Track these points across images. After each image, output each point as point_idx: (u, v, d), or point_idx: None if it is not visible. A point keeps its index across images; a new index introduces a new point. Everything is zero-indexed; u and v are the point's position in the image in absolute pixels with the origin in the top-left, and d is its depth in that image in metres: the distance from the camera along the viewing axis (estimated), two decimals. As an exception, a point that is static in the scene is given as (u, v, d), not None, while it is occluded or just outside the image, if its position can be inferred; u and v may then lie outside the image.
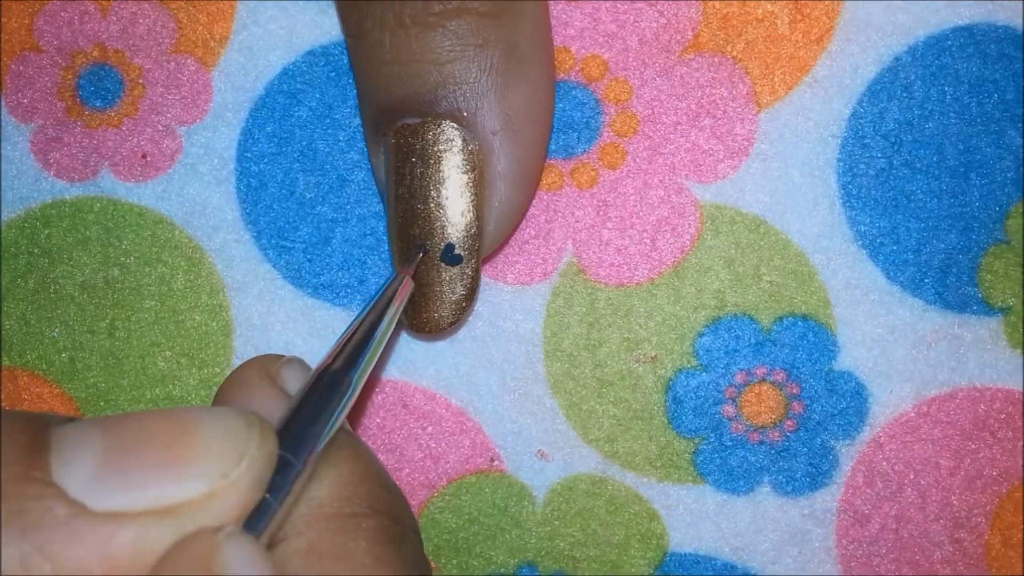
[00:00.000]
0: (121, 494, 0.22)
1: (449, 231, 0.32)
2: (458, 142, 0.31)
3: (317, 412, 0.26)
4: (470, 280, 0.32)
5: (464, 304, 0.32)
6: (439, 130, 0.31)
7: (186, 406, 0.25)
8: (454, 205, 0.31)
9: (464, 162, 0.31)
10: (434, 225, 0.32)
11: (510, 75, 0.31)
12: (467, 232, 0.32)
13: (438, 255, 0.32)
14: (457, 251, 0.32)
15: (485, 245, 0.32)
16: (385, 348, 0.35)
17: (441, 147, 0.31)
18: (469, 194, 0.31)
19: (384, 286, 0.31)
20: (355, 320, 0.29)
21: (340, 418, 0.26)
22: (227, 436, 0.23)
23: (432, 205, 0.31)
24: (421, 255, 0.32)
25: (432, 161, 0.31)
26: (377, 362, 0.35)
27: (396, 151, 0.32)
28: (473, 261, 0.32)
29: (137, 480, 0.22)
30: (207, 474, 0.23)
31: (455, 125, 0.31)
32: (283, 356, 0.28)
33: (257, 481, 0.23)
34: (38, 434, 0.23)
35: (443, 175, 0.31)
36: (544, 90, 0.32)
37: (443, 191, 0.31)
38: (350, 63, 0.34)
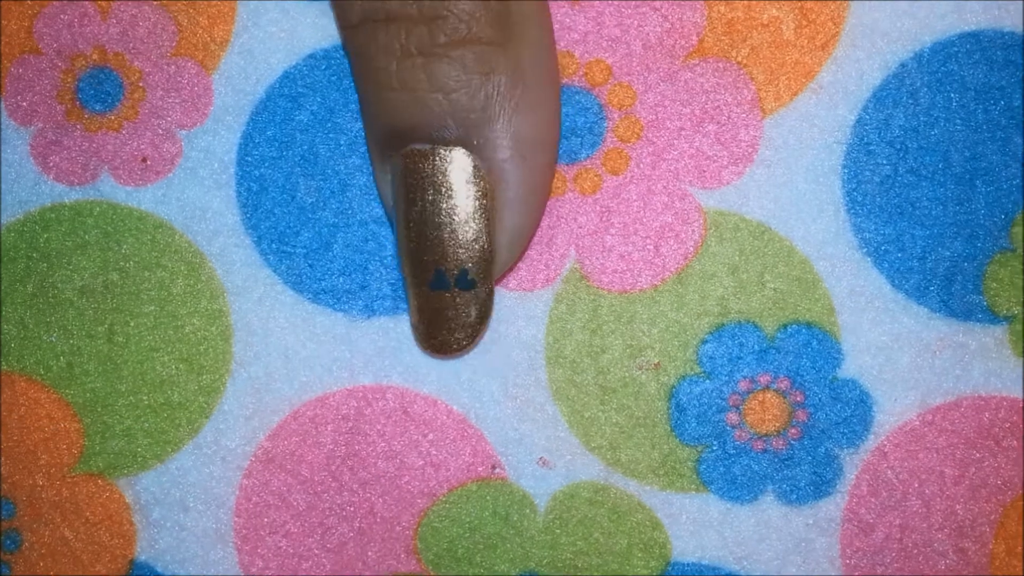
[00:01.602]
0: None
1: (463, 257, 0.32)
2: (469, 169, 0.31)
3: None
4: (483, 304, 0.32)
5: (478, 327, 0.32)
6: (450, 157, 0.31)
7: None
8: (467, 232, 0.31)
9: (476, 189, 0.31)
10: (447, 252, 0.32)
11: (517, 102, 0.31)
12: (481, 257, 0.32)
13: (452, 280, 0.32)
14: (471, 276, 0.32)
15: (497, 269, 0.32)
16: (388, 357, 0.35)
17: (452, 175, 0.31)
18: (482, 220, 0.31)
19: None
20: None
21: None
22: None
23: (445, 232, 0.31)
24: None
25: (444, 188, 0.31)
26: (378, 369, 0.35)
27: (406, 176, 0.31)
28: (486, 285, 0.32)
29: None
30: None
31: (466, 152, 0.31)
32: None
33: None
34: None
35: (455, 203, 0.31)
36: (552, 114, 0.32)
37: (455, 218, 0.31)
38: (353, 78, 0.34)
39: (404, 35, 0.30)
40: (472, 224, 0.31)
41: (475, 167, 0.31)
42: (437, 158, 0.31)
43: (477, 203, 0.31)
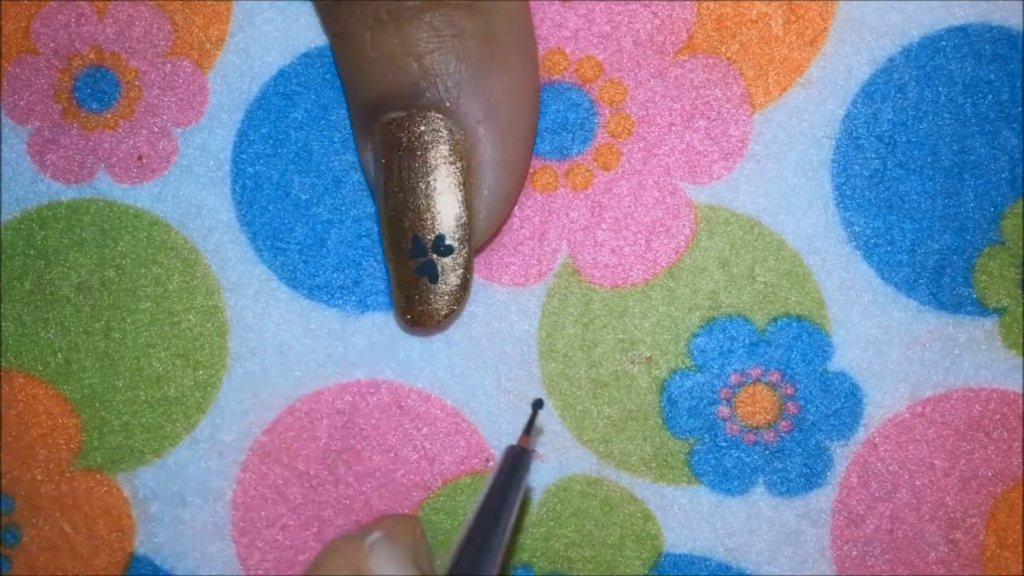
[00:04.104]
0: None
1: (439, 222, 0.32)
2: (444, 133, 0.31)
3: None
4: (463, 270, 0.32)
5: (458, 295, 0.32)
6: (424, 122, 0.31)
7: None
8: (442, 196, 0.32)
9: (450, 152, 0.31)
10: (424, 216, 0.32)
11: (489, 63, 0.31)
12: (457, 222, 0.32)
13: (430, 246, 0.32)
14: (448, 241, 0.32)
15: (476, 235, 0.32)
16: (382, 351, 0.35)
17: (427, 138, 0.31)
18: (457, 184, 0.32)
19: (503, 463, 0.28)
20: (479, 508, 0.27)
21: None
22: None
23: (421, 197, 0.32)
24: (535, 414, 0.30)
25: (419, 153, 0.31)
26: (372, 364, 0.35)
27: (384, 145, 0.32)
28: (464, 251, 0.32)
29: None
30: None
31: (440, 116, 0.31)
32: (364, 538, 0.28)
33: None
34: None
35: (430, 166, 0.32)
36: (525, 76, 0.32)
37: (431, 182, 0.32)
38: (335, 63, 0.34)
39: (375, 3, 0.31)
40: (446, 187, 0.32)
41: (449, 130, 0.31)
42: (412, 123, 0.31)
43: (452, 166, 0.32)
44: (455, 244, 0.32)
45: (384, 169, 0.32)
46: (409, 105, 0.31)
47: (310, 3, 0.35)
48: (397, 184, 0.32)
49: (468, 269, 0.32)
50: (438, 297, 0.32)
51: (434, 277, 0.32)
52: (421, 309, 0.32)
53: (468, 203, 0.32)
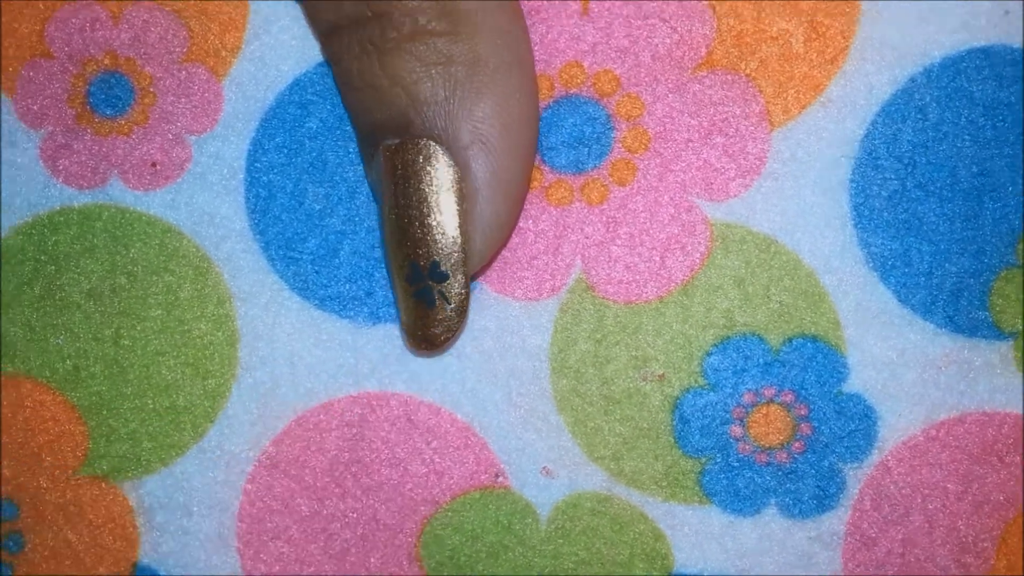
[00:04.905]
0: None
1: (434, 248, 0.32)
2: (435, 160, 0.31)
3: None
4: (459, 297, 0.32)
5: (455, 320, 0.32)
6: (416, 149, 0.31)
7: None
8: (436, 222, 0.32)
9: (443, 179, 0.31)
10: (418, 243, 0.32)
11: (475, 88, 0.31)
12: (452, 248, 0.32)
13: (426, 273, 0.32)
14: (443, 268, 0.32)
15: (473, 259, 0.32)
16: (393, 364, 0.35)
17: (420, 165, 0.31)
18: (451, 211, 0.32)
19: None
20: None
21: None
22: None
23: (416, 223, 0.32)
24: None
25: (413, 180, 0.32)
26: (383, 376, 0.35)
27: (382, 171, 0.32)
28: (460, 277, 0.32)
29: None
30: None
31: (433, 143, 0.31)
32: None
33: None
34: None
35: (424, 193, 0.32)
36: (517, 97, 0.32)
37: (424, 209, 0.32)
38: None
39: (360, 35, 0.31)
40: (441, 215, 0.32)
41: (442, 157, 0.31)
42: (405, 151, 0.31)
43: (446, 193, 0.31)
44: (450, 270, 0.32)
45: (383, 194, 0.32)
46: (401, 133, 0.31)
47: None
48: (393, 210, 0.32)
49: (465, 295, 0.32)
50: (436, 323, 0.32)
51: (431, 302, 0.32)
52: (420, 334, 0.33)
53: (463, 229, 0.32)
